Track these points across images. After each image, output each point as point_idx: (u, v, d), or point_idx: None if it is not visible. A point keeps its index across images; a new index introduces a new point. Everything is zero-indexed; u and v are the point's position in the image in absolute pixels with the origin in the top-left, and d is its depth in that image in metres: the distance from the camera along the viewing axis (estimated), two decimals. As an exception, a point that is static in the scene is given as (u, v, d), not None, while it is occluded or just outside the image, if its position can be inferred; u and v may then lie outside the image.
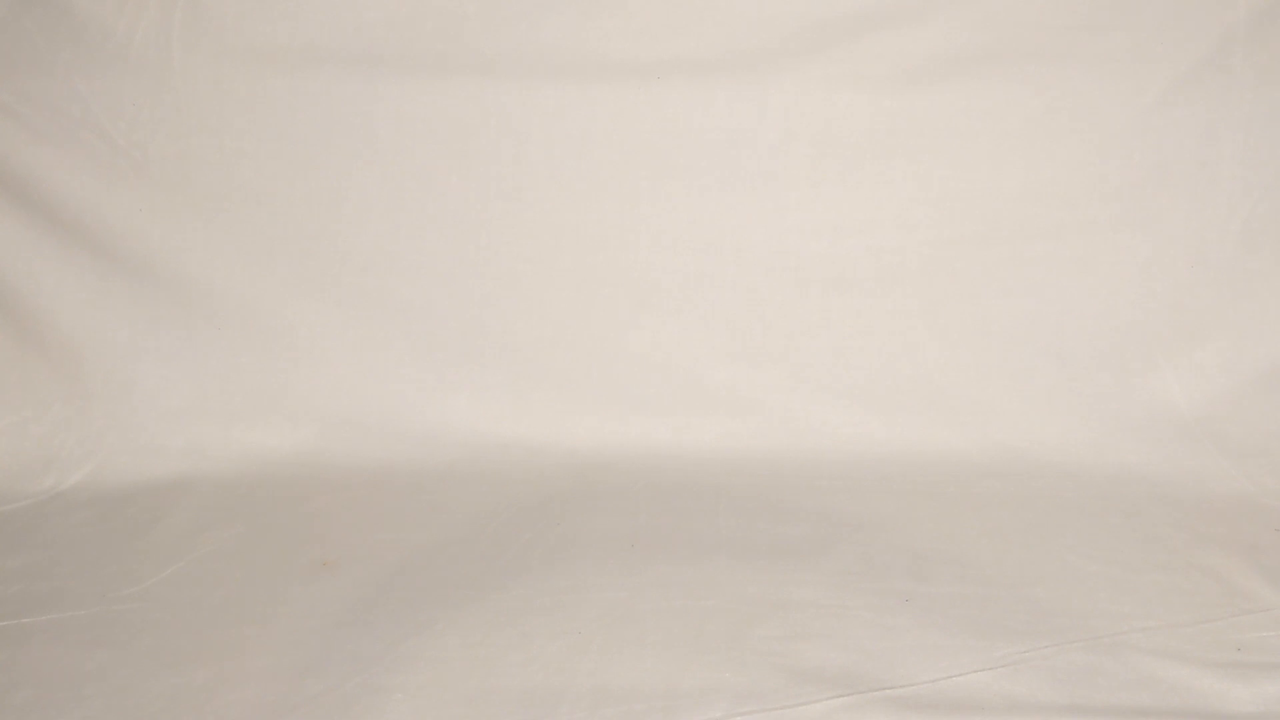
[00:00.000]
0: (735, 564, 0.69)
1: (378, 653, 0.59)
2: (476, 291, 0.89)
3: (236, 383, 0.89)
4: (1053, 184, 0.86)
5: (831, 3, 0.84)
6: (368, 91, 0.87)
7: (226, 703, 0.56)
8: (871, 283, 0.88)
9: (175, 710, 0.55)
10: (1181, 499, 0.78)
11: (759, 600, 0.64)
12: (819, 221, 0.87)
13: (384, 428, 0.86)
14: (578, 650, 0.58)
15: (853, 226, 0.87)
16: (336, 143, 0.88)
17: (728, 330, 0.88)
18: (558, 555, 0.70)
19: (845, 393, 0.88)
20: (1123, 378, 0.86)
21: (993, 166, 0.86)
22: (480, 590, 0.66)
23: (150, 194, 0.87)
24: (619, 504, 0.78)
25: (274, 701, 0.56)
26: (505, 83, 0.86)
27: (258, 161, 0.88)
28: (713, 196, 0.86)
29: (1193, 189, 0.85)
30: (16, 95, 0.85)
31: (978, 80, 0.85)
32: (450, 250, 0.89)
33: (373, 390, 0.87)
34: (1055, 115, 0.85)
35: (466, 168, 0.88)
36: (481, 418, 0.88)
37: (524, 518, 0.76)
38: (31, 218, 0.87)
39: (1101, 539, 0.72)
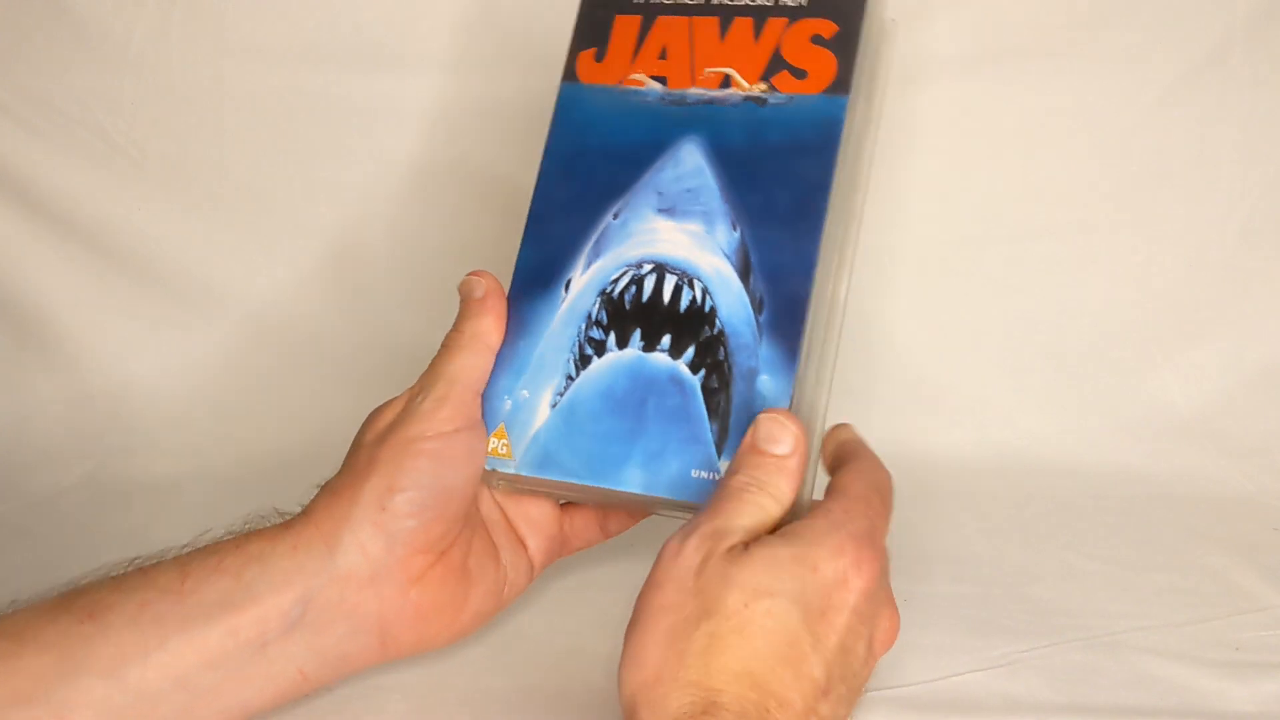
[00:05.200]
0: (734, 563, 0.68)
1: (376, 652, 0.59)
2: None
3: (236, 381, 0.90)
4: (1052, 184, 0.86)
5: (831, 2, 0.84)
6: (368, 91, 0.87)
7: (225, 702, 0.56)
8: (871, 282, 0.87)
9: (174, 709, 0.55)
10: (1181, 499, 0.78)
11: (758, 600, 0.64)
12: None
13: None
14: (578, 650, 0.58)
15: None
16: (336, 142, 0.88)
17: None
18: (557, 555, 0.70)
19: (845, 393, 0.87)
20: (1123, 378, 0.86)
21: (992, 166, 0.87)
22: (479, 589, 0.66)
23: (149, 192, 0.87)
24: (618, 503, 0.78)
25: (272, 700, 0.55)
26: (505, 82, 0.86)
27: (257, 160, 0.88)
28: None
29: (1192, 188, 0.85)
30: (14, 94, 0.85)
31: (978, 80, 0.85)
32: (451, 249, 0.89)
33: (372, 389, 0.87)
34: (1055, 115, 0.85)
35: (467, 167, 0.88)
36: (481, 417, 0.87)
37: (523, 517, 0.76)
38: (29, 216, 0.87)
39: (1101, 538, 0.72)
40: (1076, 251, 0.87)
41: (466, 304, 0.53)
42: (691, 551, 0.42)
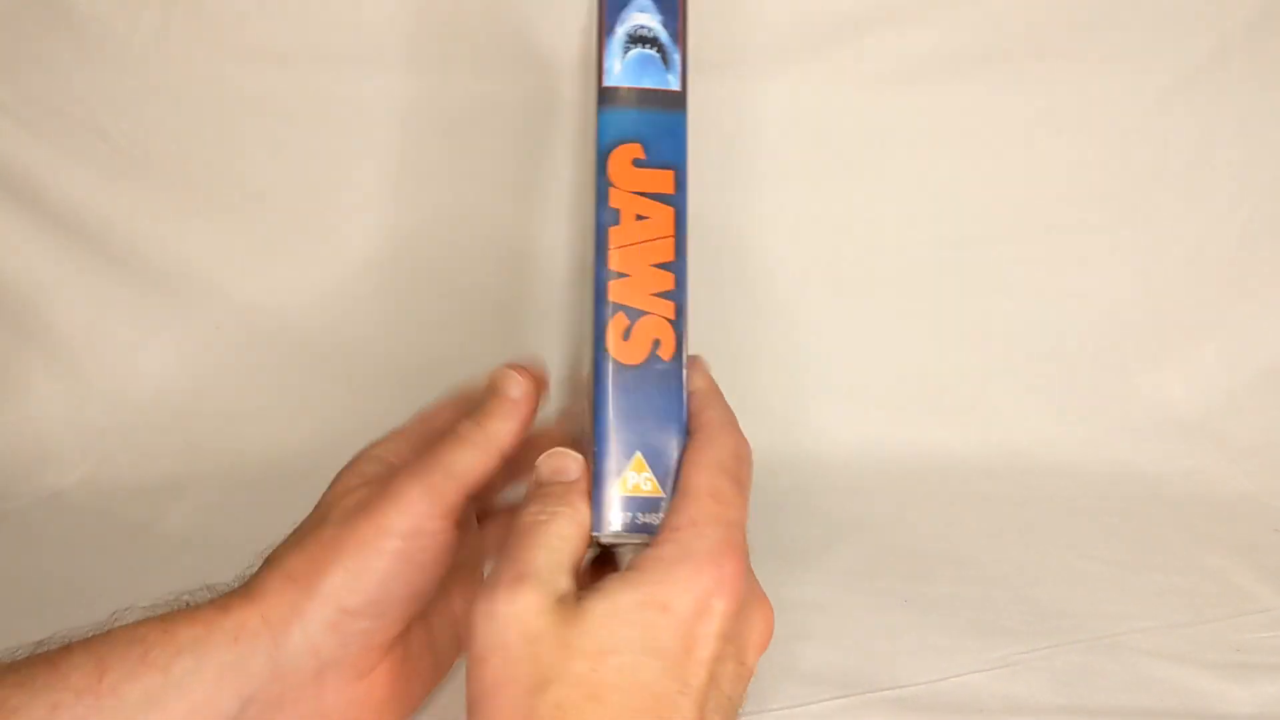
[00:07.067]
0: (734, 564, 0.68)
1: (377, 652, 0.59)
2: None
3: (236, 381, 0.89)
4: (1053, 184, 0.86)
5: (831, 2, 0.84)
6: (371, 91, 0.87)
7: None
8: (871, 282, 0.88)
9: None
10: (1181, 499, 0.78)
11: (758, 600, 0.64)
12: (818, 221, 0.87)
13: (385, 426, 0.86)
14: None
15: (852, 226, 0.87)
16: (337, 142, 0.88)
17: (728, 330, 0.88)
18: (557, 555, 0.70)
19: (845, 393, 0.88)
20: (1123, 378, 0.86)
21: (993, 166, 0.86)
22: (479, 590, 0.65)
23: (150, 193, 0.87)
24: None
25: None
26: (505, 81, 0.86)
27: (258, 160, 0.88)
28: (712, 196, 0.86)
29: (1192, 189, 0.85)
30: (15, 94, 0.85)
31: (978, 80, 0.85)
32: (452, 249, 0.89)
33: (374, 390, 0.88)
34: (1055, 115, 0.85)
35: (468, 167, 0.88)
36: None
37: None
38: (31, 217, 0.87)
39: (1101, 539, 0.72)
40: (1077, 251, 0.87)
41: (497, 400, 0.47)
42: (505, 609, 0.37)
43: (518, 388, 0.48)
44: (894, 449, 0.85)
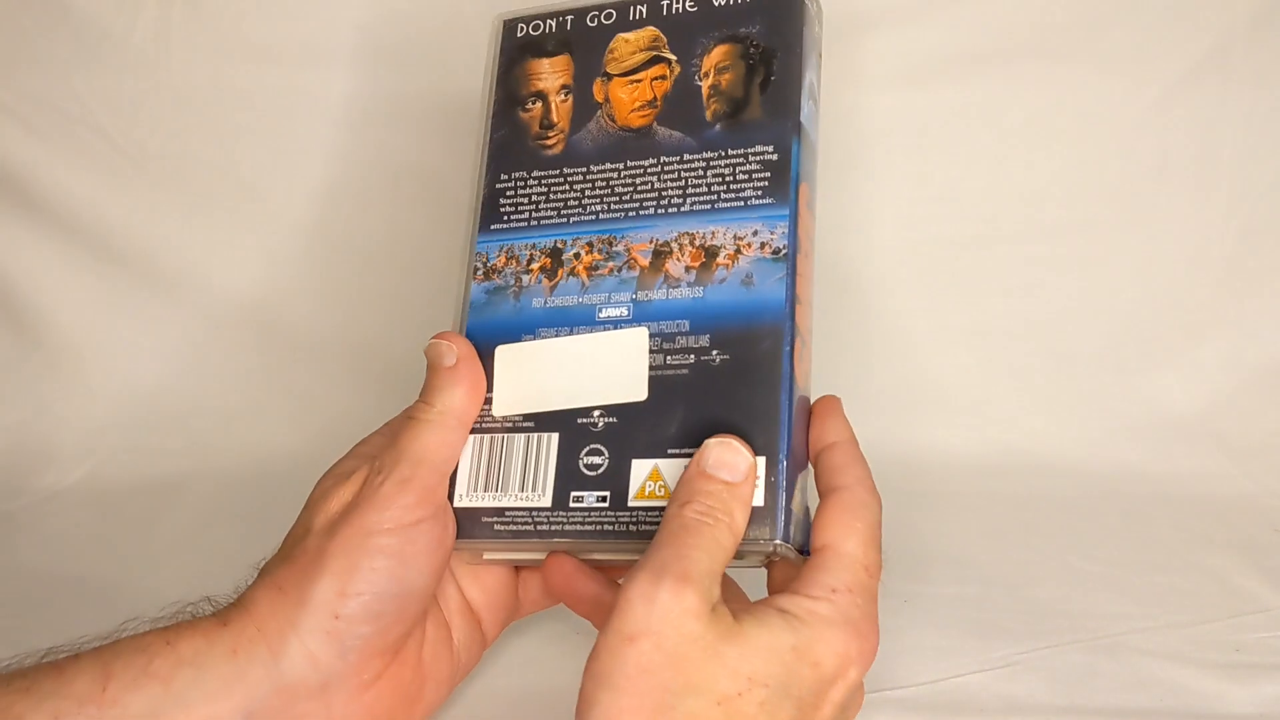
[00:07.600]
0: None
1: (377, 652, 0.59)
2: (477, 290, 0.89)
3: (236, 381, 0.90)
4: (1053, 184, 0.86)
5: (831, 2, 0.84)
6: (368, 90, 0.87)
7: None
8: (872, 283, 0.87)
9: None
10: (1181, 499, 0.78)
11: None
12: (817, 221, 0.87)
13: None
14: (579, 651, 0.58)
15: (853, 226, 0.87)
16: (336, 141, 0.88)
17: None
18: (557, 555, 0.70)
19: (845, 393, 0.87)
20: (1123, 377, 0.86)
21: (993, 166, 0.86)
22: (480, 590, 0.65)
23: (149, 192, 0.87)
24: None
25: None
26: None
27: (257, 160, 0.88)
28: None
29: (1192, 188, 0.85)
30: (15, 94, 0.85)
31: (978, 80, 0.85)
32: (452, 248, 0.88)
33: (373, 388, 0.88)
34: (1055, 115, 0.85)
35: (468, 166, 0.88)
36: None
37: (524, 517, 0.76)
38: (30, 216, 0.87)
39: (1101, 539, 0.72)
40: (1077, 251, 0.87)
41: (436, 373, 0.47)
42: (669, 600, 0.37)
43: (451, 354, 0.47)
44: (894, 449, 0.85)
